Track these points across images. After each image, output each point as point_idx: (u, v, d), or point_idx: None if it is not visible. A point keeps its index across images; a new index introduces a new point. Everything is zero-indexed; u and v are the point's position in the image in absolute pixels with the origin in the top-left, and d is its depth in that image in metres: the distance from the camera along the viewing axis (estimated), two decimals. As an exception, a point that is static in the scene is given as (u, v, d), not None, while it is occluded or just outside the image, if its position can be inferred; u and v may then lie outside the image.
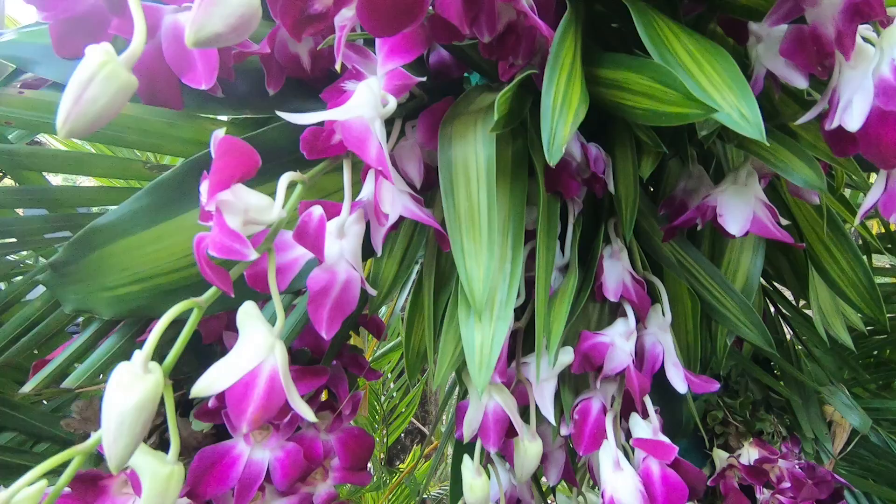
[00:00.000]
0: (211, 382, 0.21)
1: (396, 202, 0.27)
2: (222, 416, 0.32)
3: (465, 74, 0.41)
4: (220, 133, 0.23)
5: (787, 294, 0.58)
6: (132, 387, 0.19)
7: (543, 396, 0.32)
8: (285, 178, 0.24)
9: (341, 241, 0.26)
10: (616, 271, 0.35)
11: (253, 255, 0.19)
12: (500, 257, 0.28)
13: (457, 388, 0.56)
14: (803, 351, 0.59)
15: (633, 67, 0.28)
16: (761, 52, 0.31)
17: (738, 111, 0.24)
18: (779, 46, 0.29)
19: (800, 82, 0.28)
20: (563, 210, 0.35)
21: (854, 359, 0.59)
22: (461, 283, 0.27)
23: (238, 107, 0.31)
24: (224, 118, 0.32)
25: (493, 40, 0.28)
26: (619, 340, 0.33)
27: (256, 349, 0.22)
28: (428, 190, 0.34)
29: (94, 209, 0.32)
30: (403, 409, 1.42)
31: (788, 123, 0.32)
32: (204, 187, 0.21)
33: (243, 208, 0.21)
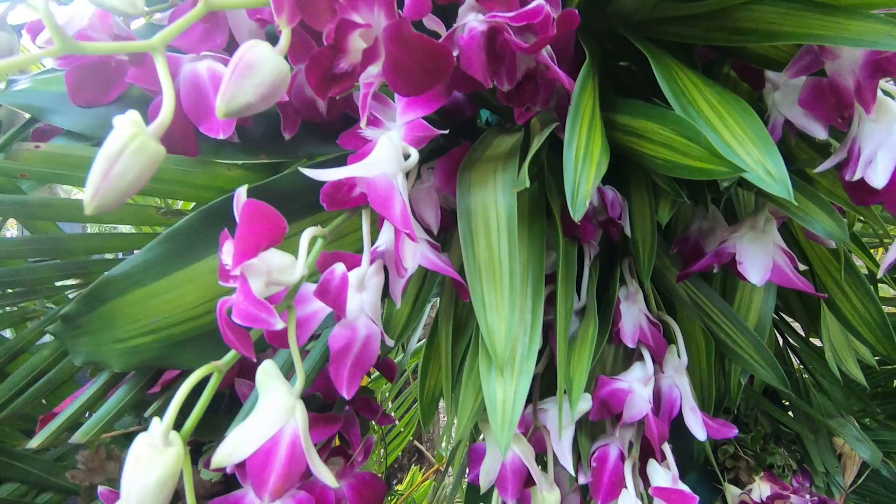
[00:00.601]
0: (231, 451, 0.20)
1: (416, 253, 0.26)
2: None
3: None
4: (242, 194, 0.22)
5: (795, 324, 0.58)
6: (153, 463, 0.18)
7: (562, 445, 0.32)
8: (307, 235, 0.23)
9: (361, 295, 0.25)
10: (632, 314, 0.35)
11: (280, 326, 0.19)
12: (520, 308, 0.27)
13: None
14: (811, 381, 0.59)
15: (654, 117, 0.28)
16: (778, 99, 0.31)
17: (764, 168, 0.24)
18: (797, 96, 0.29)
19: (819, 133, 0.28)
20: (579, 252, 0.35)
21: (862, 389, 0.59)
22: (482, 336, 0.26)
23: (253, 152, 0.31)
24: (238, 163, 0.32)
25: (512, 88, 0.28)
26: (637, 387, 0.33)
27: (277, 413, 0.21)
28: (443, 232, 0.34)
29: (107, 255, 0.31)
30: (402, 429, 1.40)
31: (805, 169, 0.32)
32: (227, 250, 0.21)
33: (266, 270, 0.21)
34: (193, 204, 0.31)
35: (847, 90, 0.27)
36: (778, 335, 0.59)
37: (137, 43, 0.16)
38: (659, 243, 0.41)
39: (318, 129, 0.33)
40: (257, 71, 0.17)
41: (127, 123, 0.16)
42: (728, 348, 0.41)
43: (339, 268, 0.23)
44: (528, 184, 0.23)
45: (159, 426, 0.19)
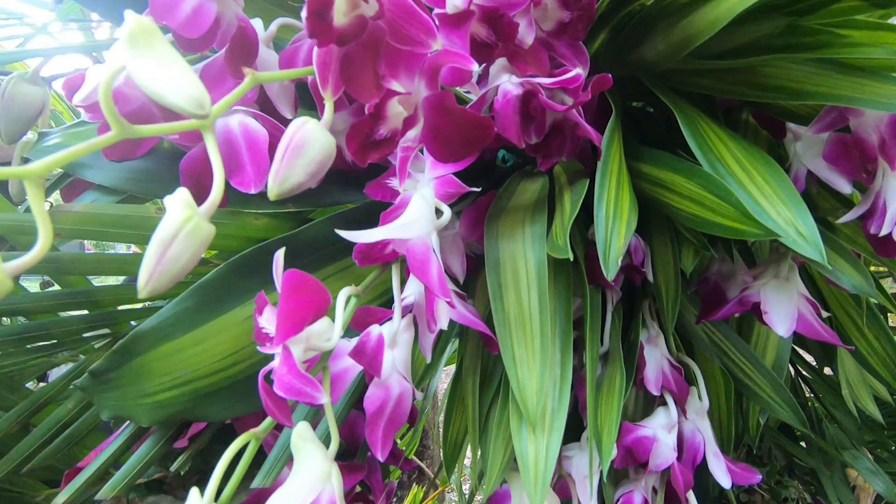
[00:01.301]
0: (271, 521, 0.20)
1: (448, 310, 0.26)
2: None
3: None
4: (280, 258, 0.23)
5: (807, 355, 0.58)
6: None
7: (587, 493, 0.32)
8: (343, 297, 0.23)
9: (393, 352, 0.25)
10: (655, 359, 0.35)
11: (323, 400, 0.19)
12: (550, 362, 0.27)
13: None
14: (824, 412, 0.59)
15: (681, 171, 0.28)
16: (800, 150, 0.31)
17: (795, 228, 0.24)
18: (819, 148, 0.30)
19: (844, 188, 0.29)
20: (602, 296, 0.35)
21: (875, 421, 0.59)
22: (512, 391, 0.26)
23: (280, 201, 0.31)
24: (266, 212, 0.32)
25: (540, 141, 0.28)
26: (661, 434, 0.33)
27: (314, 480, 0.21)
28: (468, 275, 0.34)
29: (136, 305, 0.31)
30: (404, 448, 1.39)
31: (828, 218, 0.32)
32: (267, 318, 0.21)
33: (305, 336, 0.21)
34: (215, 252, 0.31)
35: (871, 146, 0.28)
36: (790, 366, 0.59)
37: (189, 122, 0.16)
38: (677, 282, 0.41)
39: (344, 176, 0.33)
40: (307, 151, 0.18)
41: (179, 205, 0.17)
42: (746, 388, 0.41)
43: (375, 330, 0.23)
44: (570, 254, 0.23)
45: (199, 501, 0.19)
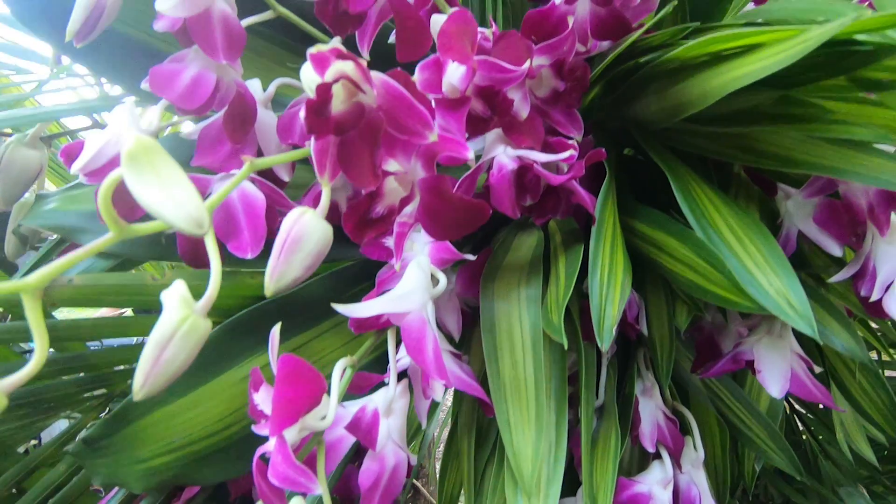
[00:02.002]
0: None
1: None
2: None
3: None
4: (276, 333, 0.23)
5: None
6: None
7: (583, 552, 0.31)
8: (339, 369, 0.24)
9: (388, 420, 0.25)
10: (650, 411, 0.35)
11: (318, 490, 0.18)
12: (546, 426, 0.27)
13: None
14: (818, 448, 0.59)
15: (674, 234, 0.29)
16: (791, 209, 0.32)
17: (787, 300, 0.24)
18: (810, 208, 0.30)
19: (834, 251, 0.29)
20: (597, 352, 0.35)
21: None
22: (508, 458, 0.26)
23: (277, 260, 0.31)
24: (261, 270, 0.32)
25: (535, 203, 0.29)
26: (657, 490, 0.33)
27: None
28: (462, 329, 0.34)
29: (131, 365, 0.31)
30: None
31: (820, 275, 0.33)
32: (262, 398, 0.21)
33: (300, 422, 0.21)
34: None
35: (860, 210, 0.28)
36: (784, 402, 0.59)
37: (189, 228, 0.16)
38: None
39: (339, 231, 0.33)
40: (305, 245, 0.18)
41: (176, 303, 0.17)
42: (742, 434, 0.41)
43: (371, 405, 0.23)
44: (564, 340, 0.23)
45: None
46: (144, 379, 0.16)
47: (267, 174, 0.29)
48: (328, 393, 0.23)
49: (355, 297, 0.34)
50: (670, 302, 0.34)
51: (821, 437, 0.59)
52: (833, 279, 0.30)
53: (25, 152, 0.28)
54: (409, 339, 0.22)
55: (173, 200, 0.14)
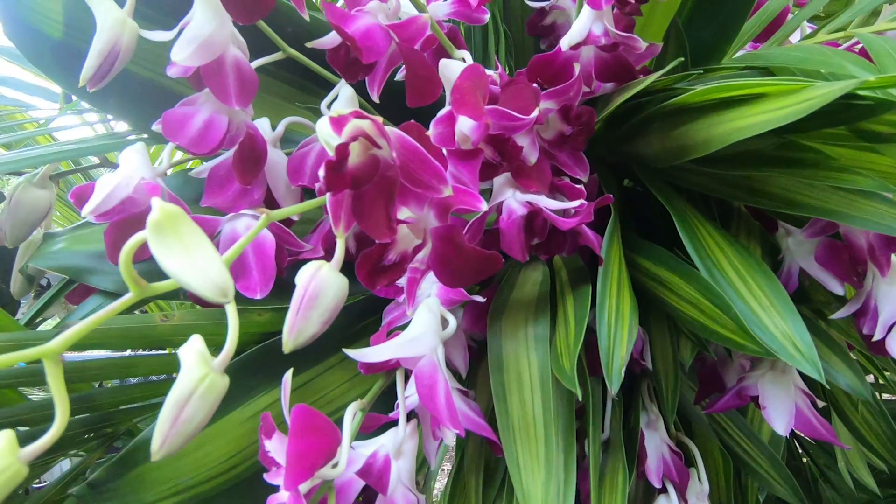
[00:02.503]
0: None
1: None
2: None
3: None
4: (288, 379, 0.23)
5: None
6: None
7: (591, 591, 0.31)
8: (350, 414, 0.23)
9: (398, 463, 0.25)
10: (655, 445, 0.35)
11: (334, 545, 0.18)
12: (555, 466, 0.27)
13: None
14: (818, 473, 0.59)
15: (678, 272, 0.29)
16: (792, 246, 0.32)
17: (792, 343, 0.25)
18: (811, 247, 0.31)
19: (836, 289, 0.29)
20: (602, 387, 0.35)
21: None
22: (517, 499, 0.26)
23: (284, 298, 0.31)
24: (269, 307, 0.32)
25: (541, 242, 0.29)
26: (664, 526, 0.32)
27: None
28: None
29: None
30: None
31: (822, 310, 0.33)
32: (275, 448, 0.21)
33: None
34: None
35: (861, 250, 0.29)
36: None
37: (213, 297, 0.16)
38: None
39: (348, 267, 0.33)
40: (322, 300, 0.18)
41: (194, 361, 0.17)
42: (745, 464, 0.41)
43: (382, 451, 0.23)
44: (577, 389, 0.23)
45: None
46: (163, 440, 0.16)
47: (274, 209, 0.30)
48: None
49: (362, 333, 0.34)
50: (674, 337, 0.34)
51: (820, 461, 0.59)
52: (835, 316, 0.31)
53: (35, 192, 0.28)
54: (421, 386, 0.22)
55: (198, 269, 0.14)
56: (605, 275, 0.27)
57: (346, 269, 0.33)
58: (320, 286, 0.18)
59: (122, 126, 0.37)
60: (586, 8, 0.28)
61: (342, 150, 0.17)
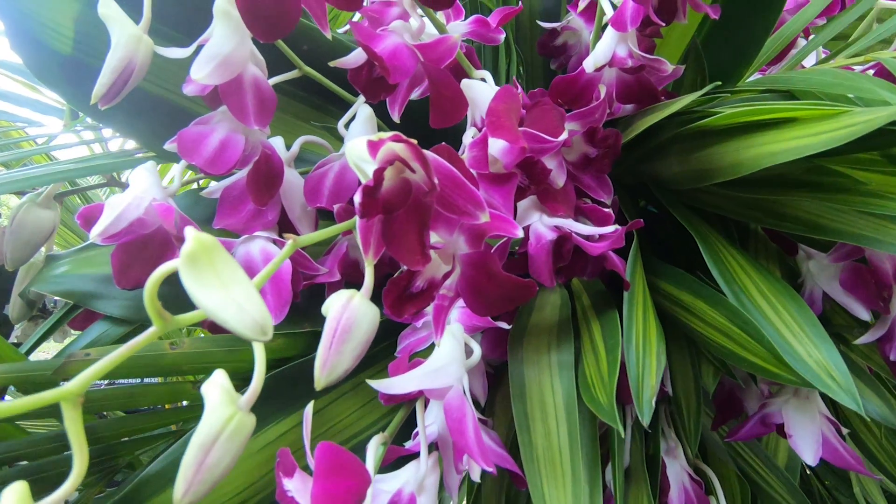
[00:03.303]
0: None
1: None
2: None
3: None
4: (309, 412, 0.21)
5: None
6: None
7: None
8: (373, 447, 0.22)
9: (420, 499, 0.24)
10: (675, 473, 0.34)
11: None
12: (582, 499, 0.26)
13: None
14: (828, 496, 0.59)
15: (703, 297, 0.28)
16: (814, 270, 0.32)
17: (827, 372, 0.24)
18: (833, 271, 0.30)
19: (862, 315, 0.29)
20: (623, 414, 0.34)
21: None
22: (544, 536, 0.25)
23: (298, 322, 0.30)
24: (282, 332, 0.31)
25: (564, 265, 0.28)
26: (688, 559, 0.31)
27: None
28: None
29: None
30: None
31: (844, 335, 0.33)
32: (298, 489, 0.19)
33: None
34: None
35: (886, 274, 0.28)
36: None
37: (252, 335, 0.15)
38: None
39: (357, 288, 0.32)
40: (356, 332, 0.17)
41: (219, 399, 0.15)
42: (761, 490, 0.40)
43: (407, 489, 0.22)
44: (619, 424, 0.22)
45: None
46: (187, 487, 0.15)
47: (289, 231, 0.29)
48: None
49: (377, 358, 0.33)
50: (696, 361, 0.33)
51: (828, 483, 0.58)
52: (859, 341, 0.30)
53: (38, 213, 0.27)
54: (451, 420, 0.21)
55: (236, 305, 0.13)
56: (630, 301, 0.27)
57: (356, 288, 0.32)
58: (353, 318, 0.17)
59: (116, 144, 0.35)
60: (610, 30, 0.27)
61: (379, 175, 0.17)
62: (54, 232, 0.27)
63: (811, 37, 0.35)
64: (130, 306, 0.26)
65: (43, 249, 0.26)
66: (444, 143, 0.19)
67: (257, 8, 0.23)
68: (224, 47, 0.23)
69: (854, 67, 0.33)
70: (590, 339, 0.27)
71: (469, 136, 0.25)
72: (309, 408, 0.21)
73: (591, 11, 0.40)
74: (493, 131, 0.20)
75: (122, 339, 0.27)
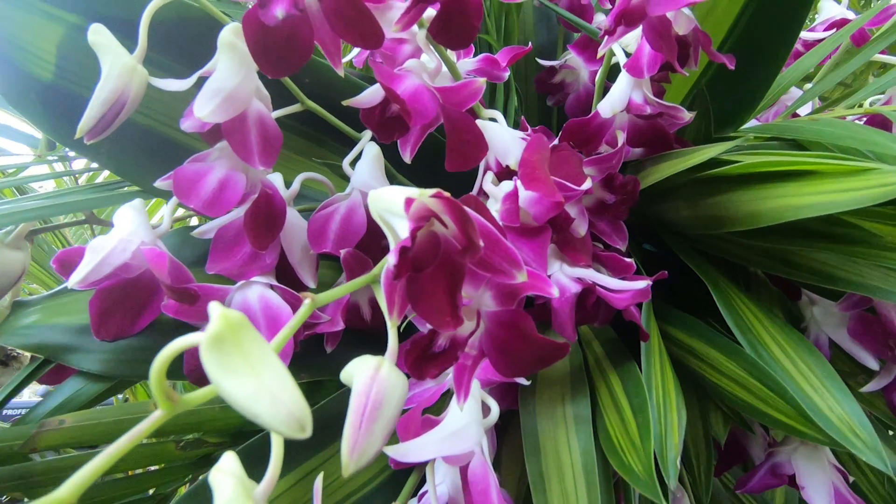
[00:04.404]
0: None
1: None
2: None
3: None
4: (318, 489, 0.19)
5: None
6: None
7: None
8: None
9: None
10: (684, 525, 0.33)
11: None
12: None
13: None
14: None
15: (719, 346, 0.28)
16: (819, 316, 0.32)
17: (851, 429, 0.24)
18: (839, 318, 0.30)
19: (870, 363, 0.29)
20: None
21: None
22: None
23: (294, 373, 0.28)
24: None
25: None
26: None
27: None
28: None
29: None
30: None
31: (848, 382, 0.33)
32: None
33: None
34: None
35: (893, 324, 0.29)
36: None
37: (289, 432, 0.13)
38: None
39: (361, 337, 0.30)
40: (387, 408, 0.15)
41: (231, 492, 0.13)
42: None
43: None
44: (662, 499, 0.21)
45: None
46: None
47: (289, 278, 0.27)
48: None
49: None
50: (705, 409, 0.32)
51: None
52: (865, 389, 0.30)
53: (7, 254, 0.24)
54: (476, 492, 0.19)
55: (269, 395, 0.11)
56: (648, 353, 0.26)
57: (358, 337, 0.30)
58: (383, 392, 0.15)
59: (99, 174, 0.33)
60: (625, 75, 0.27)
61: (415, 234, 0.15)
62: (23, 275, 0.24)
63: (807, 85, 0.36)
64: (110, 360, 0.23)
65: (8, 296, 0.24)
66: (468, 193, 0.18)
67: (267, 42, 0.21)
68: (229, 82, 0.21)
69: (844, 117, 0.34)
70: (609, 393, 0.26)
71: (487, 181, 0.24)
72: (318, 481, 0.19)
73: (591, 51, 0.40)
74: (528, 184, 0.19)
75: (100, 398, 0.24)
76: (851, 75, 0.35)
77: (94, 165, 0.34)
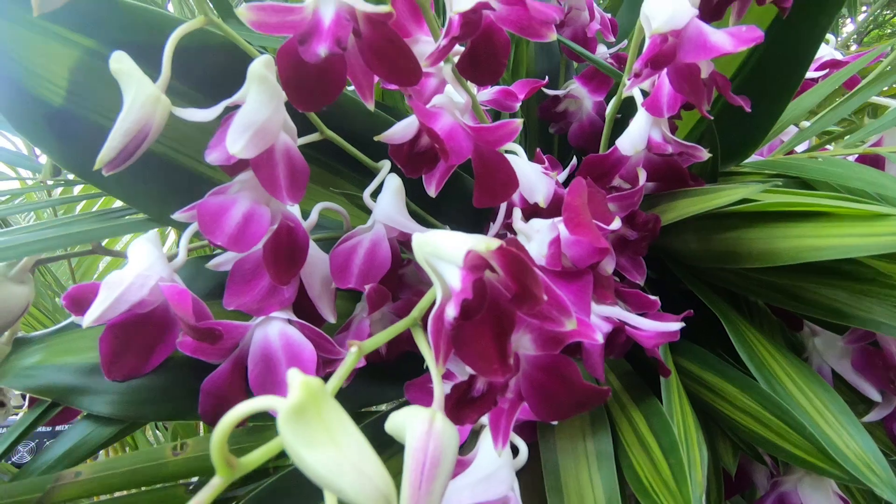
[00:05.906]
0: None
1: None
2: None
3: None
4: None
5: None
6: None
7: None
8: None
9: None
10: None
11: None
12: None
13: None
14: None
15: (732, 380, 0.28)
16: (820, 347, 0.33)
17: (867, 464, 0.24)
18: (841, 350, 0.31)
19: (873, 395, 0.30)
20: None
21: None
22: None
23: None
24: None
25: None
26: None
27: None
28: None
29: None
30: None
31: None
32: None
33: None
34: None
35: (892, 356, 0.30)
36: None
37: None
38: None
39: (376, 370, 0.30)
40: (444, 464, 0.15)
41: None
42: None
43: None
44: None
45: None
46: None
47: (307, 313, 0.26)
48: None
49: (399, 455, 0.30)
50: (713, 440, 0.33)
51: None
52: (865, 419, 0.31)
53: (11, 289, 0.22)
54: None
55: (354, 469, 0.10)
56: (668, 390, 0.26)
57: (374, 372, 0.30)
58: (440, 447, 0.15)
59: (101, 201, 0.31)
60: (643, 113, 0.28)
61: (475, 285, 0.15)
62: (26, 310, 0.23)
63: (805, 124, 0.37)
64: (121, 401, 0.22)
65: (7, 333, 0.22)
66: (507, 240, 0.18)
67: (301, 78, 0.21)
68: (260, 115, 0.21)
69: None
70: (632, 430, 0.26)
71: (517, 218, 0.24)
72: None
73: (596, 82, 0.41)
74: (573, 229, 0.19)
75: (110, 441, 0.23)
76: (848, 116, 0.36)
77: (95, 191, 0.32)
